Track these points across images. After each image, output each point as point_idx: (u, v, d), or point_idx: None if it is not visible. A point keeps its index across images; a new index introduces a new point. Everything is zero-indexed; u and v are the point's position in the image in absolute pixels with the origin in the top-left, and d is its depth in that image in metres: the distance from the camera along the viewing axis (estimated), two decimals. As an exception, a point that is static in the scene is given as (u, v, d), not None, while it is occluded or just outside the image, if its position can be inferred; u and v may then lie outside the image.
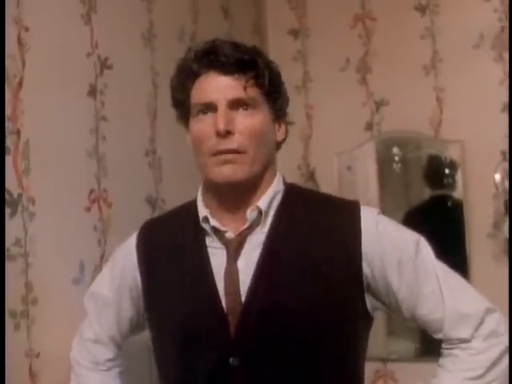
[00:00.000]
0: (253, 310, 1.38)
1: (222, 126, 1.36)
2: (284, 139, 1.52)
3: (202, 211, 1.45)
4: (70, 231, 2.02)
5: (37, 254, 1.88)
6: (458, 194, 2.97)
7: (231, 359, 1.38)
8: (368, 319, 1.47)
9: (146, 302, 1.53)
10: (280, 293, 1.38)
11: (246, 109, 1.39)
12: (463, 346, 1.42)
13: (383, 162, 3.13)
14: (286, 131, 1.52)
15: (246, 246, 1.42)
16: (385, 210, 3.00)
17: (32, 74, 1.92)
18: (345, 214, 1.44)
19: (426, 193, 3.07)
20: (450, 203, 3.02)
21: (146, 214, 2.27)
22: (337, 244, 1.40)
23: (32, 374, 1.85)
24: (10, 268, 1.80)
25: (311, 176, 3.22)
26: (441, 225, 2.98)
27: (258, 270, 1.39)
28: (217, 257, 1.43)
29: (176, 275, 1.47)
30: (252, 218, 1.42)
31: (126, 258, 1.57)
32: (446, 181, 3.01)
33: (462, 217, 2.93)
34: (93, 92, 2.16)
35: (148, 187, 2.36)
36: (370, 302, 1.44)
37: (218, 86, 1.39)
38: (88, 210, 2.10)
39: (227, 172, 1.38)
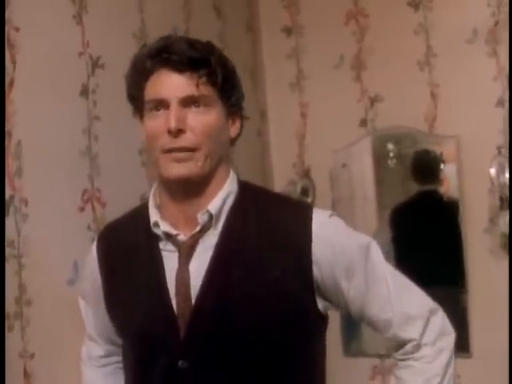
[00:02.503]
0: (202, 314, 1.39)
1: (173, 125, 1.36)
2: (239, 135, 1.51)
3: (153, 215, 1.45)
4: (64, 232, 2.02)
5: (30, 255, 1.88)
6: (453, 189, 2.97)
7: (180, 362, 1.39)
8: (321, 319, 1.49)
9: (106, 305, 1.53)
10: (229, 297, 1.39)
11: (199, 106, 1.39)
12: (416, 355, 1.46)
13: (379, 159, 3.13)
14: (241, 127, 1.51)
15: (199, 249, 1.42)
16: (382, 206, 3.07)
17: (23, 75, 1.92)
18: (297, 217, 1.45)
19: (423, 188, 3.07)
20: (445, 198, 3.02)
21: (140, 214, 2.27)
22: (288, 247, 1.41)
23: (27, 375, 1.85)
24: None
25: (306, 174, 3.22)
26: (436, 221, 2.99)
27: (209, 273, 1.40)
28: (170, 260, 1.43)
29: (131, 279, 1.47)
30: (203, 221, 1.41)
31: (90, 262, 1.57)
32: (437, 176, 3.01)
33: (457, 212, 2.93)
34: (85, 92, 2.16)
35: (142, 186, 2.34)
36: (320, 302, 1.45)
37: (170, 84, 1.39)
38: (81, 210, 2.10)
39: (179, 169, 1.38)
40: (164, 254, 1.44)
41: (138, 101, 1.45)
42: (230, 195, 1.45)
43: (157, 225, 1.44)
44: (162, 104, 1.39)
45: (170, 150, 1.38)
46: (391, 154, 3.11)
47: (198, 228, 1.42)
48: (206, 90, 1.39)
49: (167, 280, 1.42)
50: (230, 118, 1.46)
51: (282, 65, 3.29)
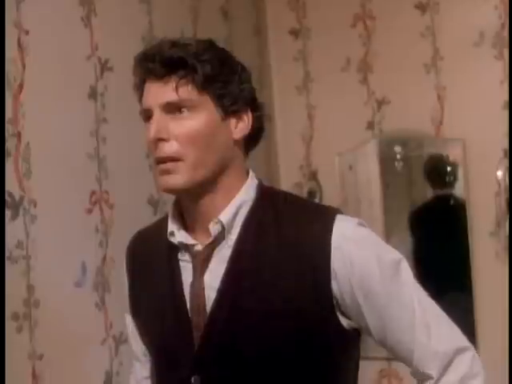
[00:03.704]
0: (214, 330, 1.32)
1: (152, 135, 1.29)
2: (253, 134, 1.39)
3: (171, 225, 1.38)
4: (72, 233, 2.02)
5: (38, 256, 1.89)
6: (459, 192, 2.97)
7: (193, 378, 1.33)
8: (348, 336, 1.36)
9: (131, 313, 1.50)
10: (242, 313, 1.31)
11: (182, 111, 1.30)
12: None
13: (385, 161, 3.13)
14: (255, 124, 1.38)
15: (214, 260, 1.34)
16: (388, 209, 3.07)
17: (32, 77, 1.93)
18: (317, 228, 1.32)
19: (429, 191, 3.07)
20: (452, 202, 3.02)
21: (147, 216, 2.27)
22: (305, 260, 1.30)
23: (35, 377, 1.85)
24: (11, 271, 1.81)
25: (313, 176, 3.23)
26: (443, 224, 2.99)
27: (222, 287, 1.32)
28: (187, 271, 1.36)
29: (150, 289, 1.43)
30: (215, 231, 1.33)
31: (123, 269, 1.54)
32: (447, 179, 3.01)
33: (464, 215, 2.93)
34: (93, 94, 2.17)
35: (149, 188, 2.36)
36: (344, 320, 1.33)
37: (151, 93, 1.32)
38: (89, 211, 2.11)
39: (167, 181, 1.31)
40: (182, 264, 1.38)
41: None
42: (244, 204, 1.36)
43: (172, 234, 1.38)
44: (149, 114, 1.33)
45: (157, 161, 1.32)
46: (398, 157, 3.12)
47: (210, 238, 1.35)
48: (187, 93, 1.30)
49: (184, 291, 1.36)
50: (231, 117, 1.35)
51: (288, 67, 3.29)
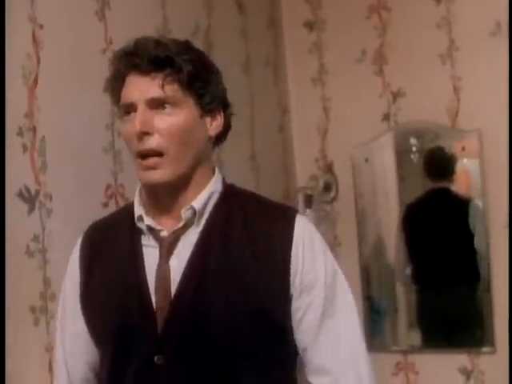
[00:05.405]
0: (179, 309, 1.39)
1: (138, 128, 1.36)
2: (223, 132, 1.49)
3: (138, 210, 1.46)
4: (88, 227, 2.03)
5: (54, 249, 1.90)
6: (475, 183, 2.95)
7: (156, 358, 1.38)
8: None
9: (81, 300, 1.51)
10: (206, 295, 1.39)
11: (166, 107, 1.38)
12: None
13: (401, 153, 3.12)
14: (226, 123, 1.48)
15: (180, 245, 1.42)
16: (404, 202, 3.06)
17: (47, 71, 1.93)
18: (280, 222, 1.44)
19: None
20: (467, 193, 3.00)
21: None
22: (268, 252, 1.40)
23: (52, 369, 1.86)
24: (28, 264, 1.82)
25: (329, 169, 3.22)
26: (458, 216, 2.98)
27: (187, 269, 1.40)
28: (152, 255, 1.43)
29: (110, 274, 1.47)
30: (186, 217, 1.42)
31: (71, 263, 1.57)
32: (451, 172, 3.01)
33: (479, 207, 2.91)
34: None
35: (164, 182, 2.36)
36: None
37: (136, 87, 1.39)
38: (105, 205, 2.11)
39: (150, 177, 1.39)
40: (146, 249, 1.45)
41: (118, 106, 1.46)
42: (214, 194, 1.45)
43: (141, 219, 1.45)
44: (131, 108, 1.40)
45: (139, 154, 1.39)
46: (414, 149, 3.11)
47: (181, 224, 1.42)
48: (172, 90, 1.38)
49: (147, 275, 1.42)
50: (207, 115, 1.44)
51: (303, 60, 3.29)
